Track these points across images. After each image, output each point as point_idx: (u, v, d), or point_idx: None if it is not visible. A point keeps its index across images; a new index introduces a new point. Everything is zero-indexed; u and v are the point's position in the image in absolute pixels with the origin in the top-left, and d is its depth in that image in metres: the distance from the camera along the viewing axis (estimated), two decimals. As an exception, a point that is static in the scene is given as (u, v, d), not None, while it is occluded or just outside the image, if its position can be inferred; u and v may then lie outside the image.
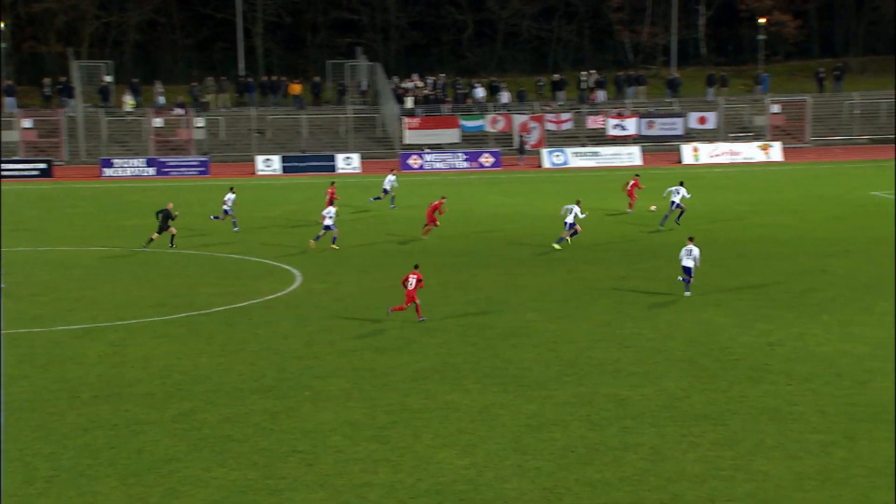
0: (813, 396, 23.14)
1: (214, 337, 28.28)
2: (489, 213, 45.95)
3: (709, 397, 23.17)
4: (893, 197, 50.96)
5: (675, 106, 76.03)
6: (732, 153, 69.01)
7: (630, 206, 48.08)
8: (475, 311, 30.86)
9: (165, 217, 40.54)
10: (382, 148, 73.42)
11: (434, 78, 79.36)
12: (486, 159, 68.89)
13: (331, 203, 43.86)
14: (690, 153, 69.06)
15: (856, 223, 44.45)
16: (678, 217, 44.59)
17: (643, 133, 72.38)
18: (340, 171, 67.29)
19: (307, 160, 68.54)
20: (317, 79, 79.24)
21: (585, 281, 34.79)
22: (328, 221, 40.58)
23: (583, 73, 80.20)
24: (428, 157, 68.72)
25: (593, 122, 73.40)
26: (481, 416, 22.18)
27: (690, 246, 32.48)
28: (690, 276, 32.32)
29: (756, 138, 72.09)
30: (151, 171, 67.18)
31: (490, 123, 72.59)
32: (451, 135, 71.98)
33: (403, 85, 77.49)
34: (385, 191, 50.56)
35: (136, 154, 69.71)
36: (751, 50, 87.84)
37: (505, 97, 77.52)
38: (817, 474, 19.01)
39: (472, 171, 66.57)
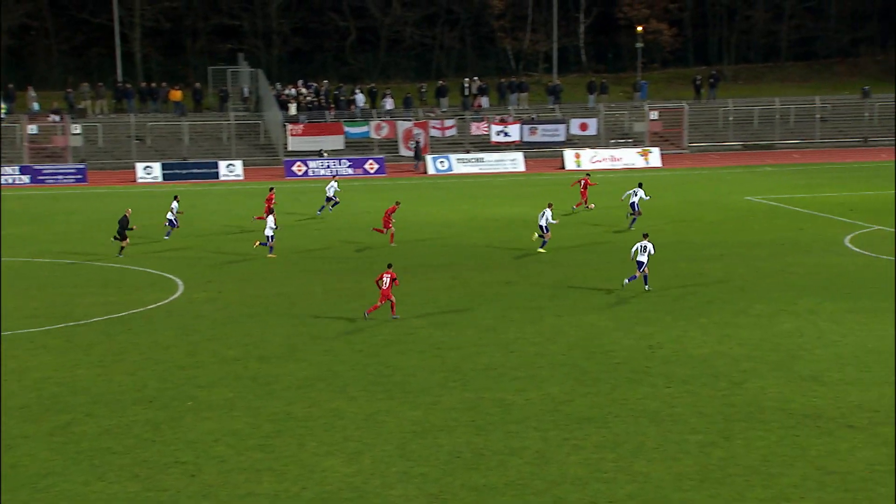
0: (691, 398, 23.66)
1: (93, 347, 27.69)
2: (374, 221, 45.95)
3: (591, 400, 23.53)
4: (767, 201, 52.38)
5: (557, 112, 77.05)
6: (613, 159, 70.16)
7: (581, 203, 49.67)
8: (360, 317, 30.78)
9: (123, 225, 40.13)
10: (266, 155, 72.83)
11: (317, 84, 79.02)
12: (371, 166, 68.85)
13: (270, 211, 42.88)
14: (572, 159, 70.03)
15: (731, 227, 45.59)
16: (632, 222, 45.70)
17: (526, 139, 73.15)
18: (224, 178, 66.55)
19: (189, 167, 67.61)
20: (198, 85, 78.23)
21: (471, 286, 35.00)
22: (269, 231, 40.18)
23: (466, 79, 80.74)
24: (312, 165, 68.37)
25: (477, 129, 73.94)
26: (367, 423, 22.15)
27: (645, 242, 33.76)
28: (643, 271, 33.45)
29: (636, 144, 73.44)
30: (26, 178, 65.53)
31: (374, 130, 72.58)
32: (335, 141, 71.74)
33: (286, 91, 76.98)
34: (329, 198, 49.99)
35: (9, 161, 67.86)
36: (629, 57, 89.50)
37: (389, 104, 77.61)
38: (696, 474, 19.45)
39: (357, 178, 66.48)
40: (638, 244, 33.99)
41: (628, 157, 70.37)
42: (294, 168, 68.12)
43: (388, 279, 30.06)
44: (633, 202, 45.71)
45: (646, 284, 33.85)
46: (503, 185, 60.84)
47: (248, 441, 21.06)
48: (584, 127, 74.43)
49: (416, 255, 40.54)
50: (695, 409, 22.95)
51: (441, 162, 69.66)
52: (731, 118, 76.83)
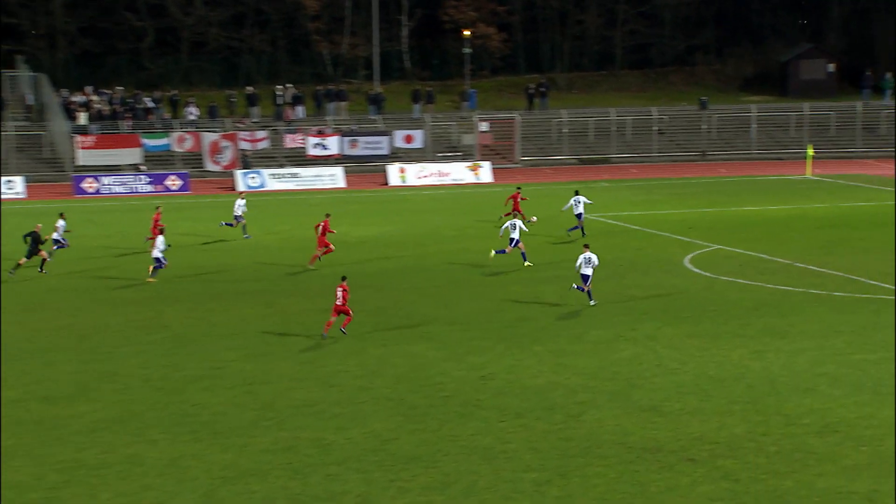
0: (525, 432, 24.05)
1: None
2: (174, 243, 45.16)
3: (419, 437, 23.67)
4: (604, 219, 53.75)
5: (380, 123, 77.44)
6: (441, 174, 70.88)
7: (510, 215, 50.00)
8: (161, 351, 30.24)
9: (35, 241, 40.45)
10: (51, 170, 70.85)
11: (110, 91, 77.37)
12: (173, 182, 67.76)
13: (160, 232, 41.52)
14: (397, 174, 70.45)
15: (566, 247, 46.58)
16: (571, 229, 47.58)
17: (346, 153, 73.24)
18: (5, 196, 64.40)
19: (-39, 184, 65.20)
20: (-31, 92, 75.61)
21: (286, 314, 34.80)
22: (157, 253, 39.52)
23: (278, 87, 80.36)
24: (105, 181, 66.89)
25: (292, 141, 73.65)
26: (170, 469, 21.75)
27: (588, 254, 35.31)
28: (588, 284, 35.02)
29: (465, 158, 74.38)
30: None
31: (176, 142, 71.47)
32: (131, 155, 70.33)
33: (74, 99, 75.08)
34: (237, 217, 48.99)
35: None
36: (457, 64, 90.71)
37: (193, 113, 76.58)
38: (531, 514, 19.77)
39: (158, 196, 65.33)
40: (581, 256, 35.39)
41: (457, 172, 71.21)
42: (84, 185, 66.49)
43: (341, 293, 31.41)
44: (580, 212, 47.74)
45: (591, 300, 35.39)
46: (322, 203, 60.72)
47: (31, 494, 20.42)
48: (409, 139, 74.98)
49: (226, 280, 40.07)
50: (529, 444, 23.33)
51: (252, 177, 69.10)
52: (565, 130, 78.63)
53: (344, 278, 32.12)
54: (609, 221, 53.24)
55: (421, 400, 26.22)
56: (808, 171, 68.60)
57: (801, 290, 37.39)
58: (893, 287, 37.28)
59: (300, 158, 73.00)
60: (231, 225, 49.16)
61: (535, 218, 49.58)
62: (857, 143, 77.60)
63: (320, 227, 42.71)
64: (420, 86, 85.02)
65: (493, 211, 57.03)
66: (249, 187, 68.52)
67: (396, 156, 74.03)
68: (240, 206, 48.97)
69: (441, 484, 21.15)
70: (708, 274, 40.38)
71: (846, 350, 30.19)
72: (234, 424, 24.41)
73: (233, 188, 67.91)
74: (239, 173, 69.24)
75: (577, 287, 35.49)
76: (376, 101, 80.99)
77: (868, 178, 66.93)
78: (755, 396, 26.41)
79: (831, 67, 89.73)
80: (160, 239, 40.27)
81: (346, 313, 31.68)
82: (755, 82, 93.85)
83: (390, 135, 74.63)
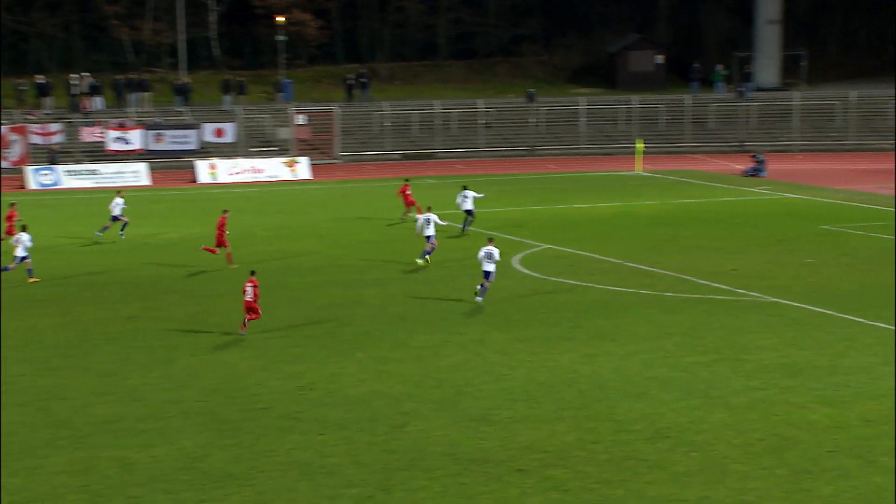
0: (347, 445, 24.05)
1: None
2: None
3: (232, 454, 23.44)
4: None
5: (187, 116, 76.36)
6: (255, 170, 70.29)
7: (408, 212, 51.52)
8: (-55, 367, 29.21)
9: None
10: None
11: None
12: (-43, 179, 65.54)
13: (23, 229, 40.37)
14: (207, 171, 69.58)
15: (391, 248, 46.75)
16: (466, 225, 48.95)
17: (151, 147, 72.01)
18: None
19: None
20: None
21: (84, 324, 34.06)
22: (21, 252, 39.11)
23: (73, 75, 78.47)
24: None
25: (90, 135, 72.02)
26: (-45, 497, 21.03)
27: (490, 248, 36.13)
28: (489, 280, 35.94)
29: (281, 153, 73.92)
30: None
31: (-41, 135, 69.16)
32: None
33: None
34: (115, 217, 47.92)
35: None
36: (270, 53, 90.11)
37: (-23, 103, 74.22)
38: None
39: (-61, 194, 63.04)
40: (483, 250, 36.07)
41: (272, 168, 70.73)
42: None
43: (251, 288, 32.28)
44: (470, 209, 48.64)
45: (481, 295, 36.07)
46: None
47: None
48: (219, 133, 74.16)
49: (8, 287, 38.95)
50: (352, 458, 23.34)
51: (45, 174, 67.33)
52: (387, 123, 78.86)
53: (253, 273, 33.06)
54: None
55: (234, 413, 25.97)
56: (639, 167, 70.31)
57: (631, 290, 38.31)
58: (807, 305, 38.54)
59: (99, 154, 71.47)
60: (120, 219, 48.22)
61: (410, 215, 49.98)
62: (687, 137, 79.88)
63: (221, 224, 42.68)
64: (231, 75, 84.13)
65: (313, 210, 56.81)
66: (42, 185, 66.76)
67: (206, 151, 73.12)
68: (118, 204, 48.31)
69: (256, 503, 20.99)
70: (537, 275, 41.02)
71: (677, 352, 31.05)
72: (25, 445, 23.77)
73: (23, 186, 66.02)
74: (29, 170, 67.37)
75: (482, 287, 36.08)
76: (183, 92, 79.80)
77: (698, 173, 68.98)
78: (585, 402, 26.95)
79: (659, 59, 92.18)
80: (25, 236, 39.69)
81: (255, 311, 32.43)
82: (583, 74, 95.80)
83: (199, 128, 73.66)
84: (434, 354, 30.95)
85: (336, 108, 77.94)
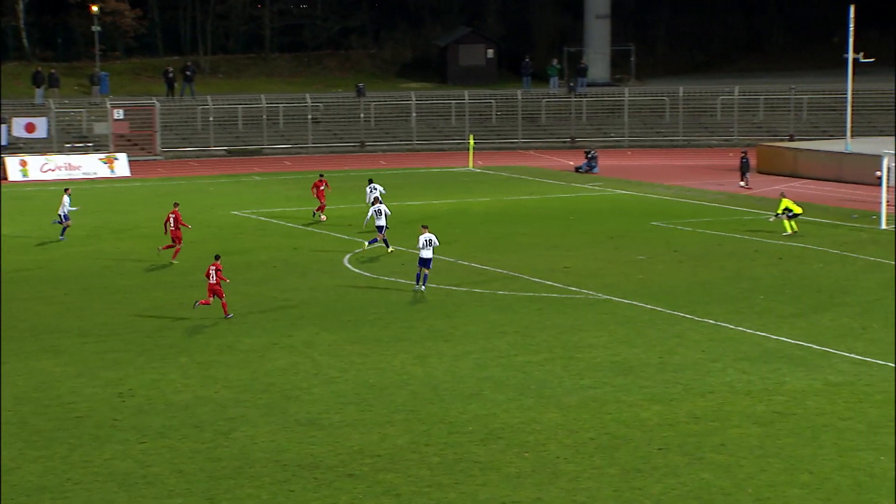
0: (170, 454, 23.72)
1: None
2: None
3: (44, 466, 22.94)
4: (257, 216, 53.68)
5: (-4, 110, 74.31)
6: (70, 167, 68.79)
7: (323, 208, 51.39)
8: None
9: None
10: None
11: None
12: None
13: None
14: (17, 168, 67.87)
15: (216, 247, 46.22)
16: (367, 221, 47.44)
17: (-43, 143, 69.89)
18: None
19: None
20: None
21: None
22: None
23: None
24: None
25: None
26: None
27: (429, 235, 37.19)
28: (429, 268, 37.13)
29: (98, 149, 72.47)
30: None
31: None
32: None
33: None
34: (62, 216, 47.01)
35: None
36: (84, 43, 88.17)
37: None
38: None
39: None
40: (422, 237, 37.22)
41: (89, 165, 69.31)
42: None
43: (214, 272, 33.87)
44: (377, 196, 47.64)
45: (423, 283, 37.33)
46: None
47: None
48: (30, 128, 72.39)
49: None
50: (174, 466, 23.03)
51: None
52: (211, 118, 77.97)
53: (217, 257, 34.67)
54: (262, 218, 53.21)
55: (47, 423, 25.38)
56: (471, 163, 70.90)
57: (464, 289, 38.59)
58: (592, 290, 39.15)
59: None
60: (65, 222, 47.21)
61: (323, 217, 50.05)
62: (519, 132, 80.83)
63: (171, 219, 42.40)
64: (42, 67, 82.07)
65: (134, 209, 55.92)
66: None
67: (16, 147, 71.29)
68: (65, 204, 47.35)
69: (73, 517, 20.60)
70: (368, 274, 41.04)
71: (510, 352, 31.39)
72: None
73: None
74: None
75: (423, 278, 37.27)
76: (-9, 85, 77.62)
77: (531, 170, 69.85)
78: (418, 404, 27.06)
79: (490, 53, 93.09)
80: None
81: (220, 295, 33.93)
82: (414, 68, 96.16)
83: (7, 123, 71.80)
84: (262, 358, 30.73)
85: (156, 103, 76.73)
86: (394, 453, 23.94)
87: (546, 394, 27.87)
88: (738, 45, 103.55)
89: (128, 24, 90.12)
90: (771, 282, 39.36)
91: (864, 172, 58.26)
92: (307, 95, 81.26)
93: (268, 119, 78.88)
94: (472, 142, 72.59)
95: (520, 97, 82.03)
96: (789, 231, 46.90)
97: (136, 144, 75.10)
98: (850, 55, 61.21)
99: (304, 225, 50.37)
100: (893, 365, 29.92)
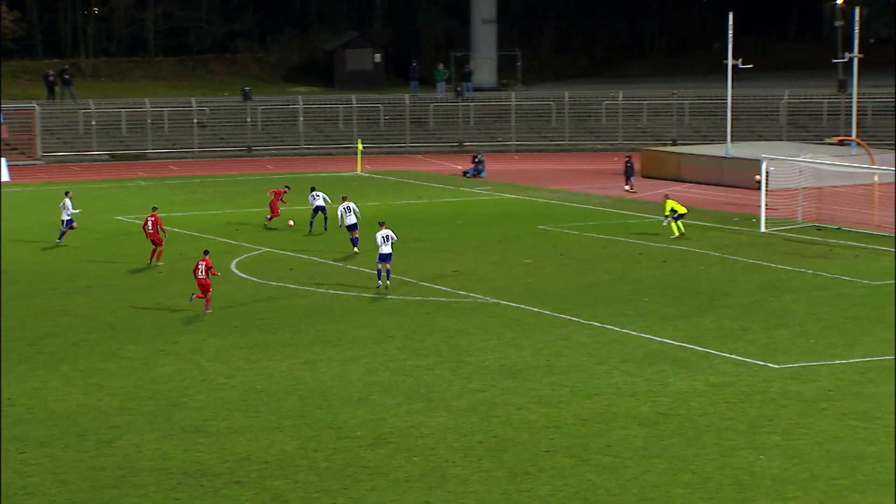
0: (51, 464, 23.37)
1: None
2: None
3: (-75, 478, 22.38)
4: (139, 221, 52.99)
5: None
6: (-55, 173, 67.34)
7: (275, 216, 51.01)
8: None
9: None
10: None
11: None
12: None
13: None
14: None
15: (100, 253, 45.63)
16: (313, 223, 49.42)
17: None
18: None
19: None
20: None
21: None
22: None
23: None
24: None
25: None
26: None
27: (386, 231, 38.20)
28: (389, 263, 38.07)
29: (-23, 153, 71.03)
30: None
31: None
32: None
33: None
34: (66, 221, 46.86)
35: None
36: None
37: None
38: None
39: None
40: (379, 234, 38.24)
41: (-41, 170, 67.89)
42: None
43: (204, 267, 34.99)
44: (319, 205, 49.20)
45: (387, 279, 38.25)
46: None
47: None
48: None
49: None
50: (56, 476, 22.69)
51: None
52: (93, 122, 76.85)
53: (206, 252, 36.03)
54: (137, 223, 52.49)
55: (-73, 434, 24.82)
56: (359, 167, 70.81)
57: (353, 293, 38.54)
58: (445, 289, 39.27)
59: None
60: (69, 226, 46.76)
61: (292, 222, 49.92)
62: (407, 137, 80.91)
63: (149, 223, 42.92)
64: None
65: (14, 215, 54.89)
66: None
67: None
68: (69, 205, 47.05)
69: (-47, 530, 20.17)
70: (256, 279, 40.79)
71: (399, 356, 31.42)
72: None
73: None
74: None
75: (383, 274, 37.66)
76: None
77: (419, 174, 69.94)
78: (306, 410, 26.97)
79: (378, 57, 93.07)
80: None
81: (206, 290, 35.02)
82: (301, 72, 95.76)
83: None
84: (147, 365, 30.40)
85: (36, 106, 75.44)
86: (282, 459, 23.83)
87: (435, 398, 27.95)
88: (622, 51, 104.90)
89: (6, 26, 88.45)
90: (654, 284, 39.90)
91: (744, 176, 59.27)
92: (192, 99, 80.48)
93: (152, 123, 77.93)
94: (360, 146, 72.48)
95: (408, 102, 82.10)
96: (676, 234, 47.55)
97: (15, 149, 73.73)
98: (730, 61, 62.33)
99: (193, 232, 49.86)
100: (773, 365, 30.54)
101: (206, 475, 22.94)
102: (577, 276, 41.42)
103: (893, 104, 76.70)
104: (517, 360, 31.06)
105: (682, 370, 30.15)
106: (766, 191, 50.71)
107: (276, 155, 78.53)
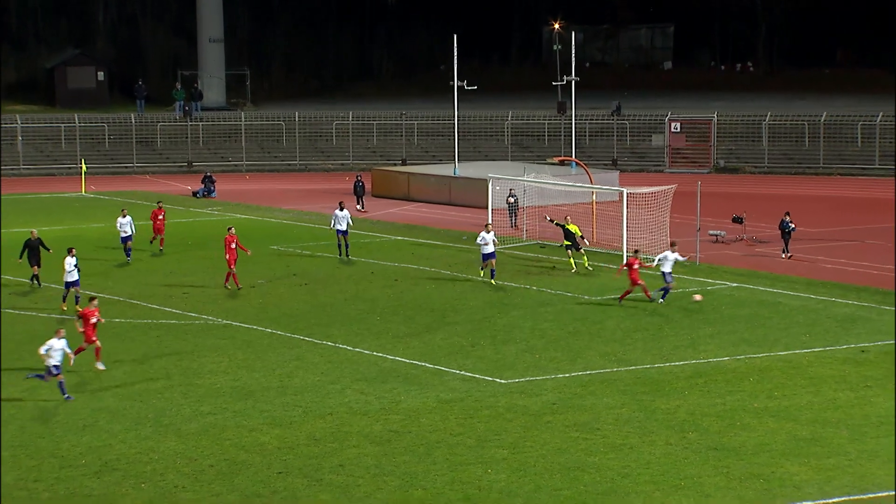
0: None
1: None
2: None
3: None
4: None
5: None
6: None
7: (157, 237, 49.81)
8: None
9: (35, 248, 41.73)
10: None
11: None
12: None
13: None
14: None
15: None
16: None
17: None
18: None
19: None
20: None
21: None
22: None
23: None
24: None
25: None
26: None
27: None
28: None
29: None
30: None
31: None
32: None
33: None
34: (127, 239, 47.20)
35: None
36: None
37: None
38: None
39: None
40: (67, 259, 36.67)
41: None
42: None
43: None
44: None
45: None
46: None
47: None
48: None
49: None
50: None
51: None
52: None
53: (230, 228, 40.02)
54: None
55: None
56: (83, 188, 68.96)
57: (70, 317, 37.40)
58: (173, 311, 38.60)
59: None
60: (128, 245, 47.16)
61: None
62: (133, 157, 79.27)
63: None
64: None
65: None
66: None
67: None
68: (127, 223, 47.24)
69: None
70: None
71: (127, 380, 30.76)
72: None
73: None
74: None
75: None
76: None
77: (147, 194, 68.55)
78: (27, 439, 26.07)
79: (101, 75, 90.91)
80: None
81: (231, 265, 40.36)
82: (20, 91, 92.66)
83: None
84: None
85: None
86: None
87: (164, 422, 27.43)
88: (351, 73, 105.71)
89: None
90: (387, 303, 40.21)
91: (472, 195, 60.39)
92: None
93: None
94: (84, 166, 70.60)
95: (134, 121, 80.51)
96: (574, 269, 44.89)
97: None
98: (456, 82, 63.50)
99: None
100: (501, 380, 31.20)
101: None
102: (311, 296, 41.37)
103: (609, 125, 79.71)
104: (249, 382, 30.80)
105: (414, 387, 30.47)
106: (492, 209, 51.78)
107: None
